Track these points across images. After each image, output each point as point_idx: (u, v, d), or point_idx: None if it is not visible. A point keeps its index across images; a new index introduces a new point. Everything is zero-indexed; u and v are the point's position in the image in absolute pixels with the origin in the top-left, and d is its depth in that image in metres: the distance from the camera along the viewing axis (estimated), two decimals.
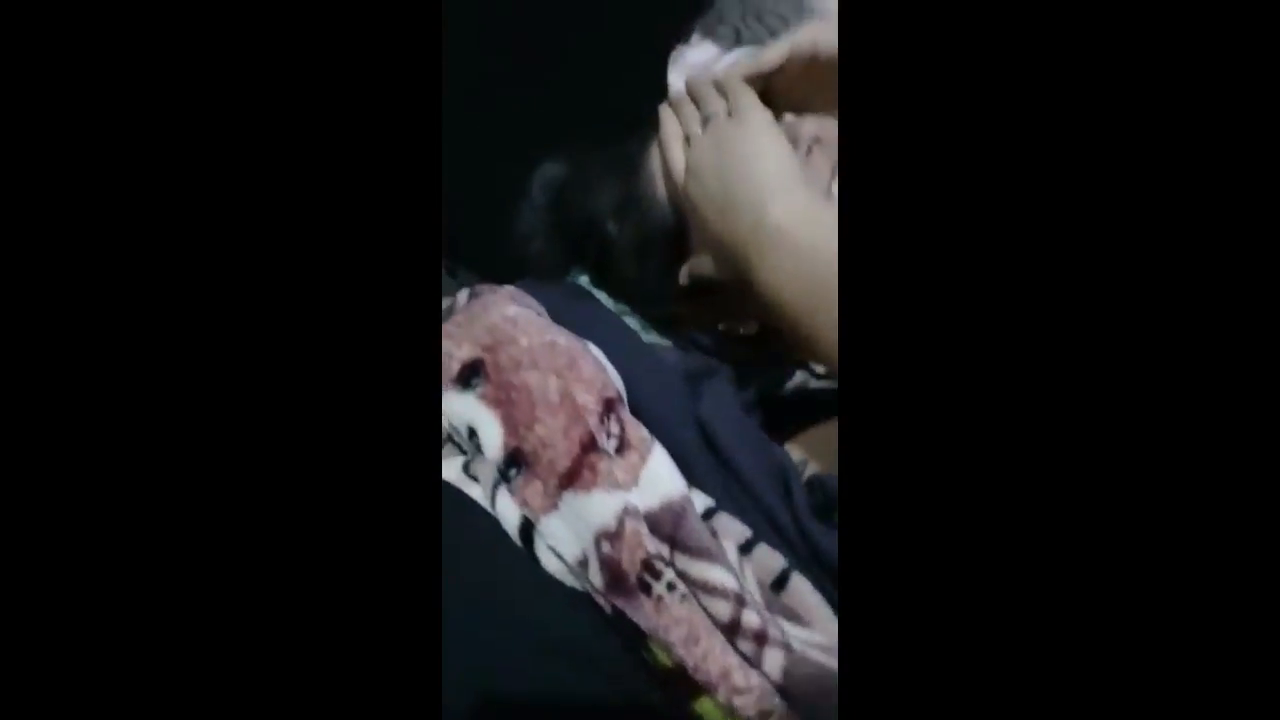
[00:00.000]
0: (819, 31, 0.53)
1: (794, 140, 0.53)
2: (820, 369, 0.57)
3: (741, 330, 0.54)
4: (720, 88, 0.51)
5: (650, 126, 0.53)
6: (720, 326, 0.55)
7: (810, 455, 0.47)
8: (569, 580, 0.38)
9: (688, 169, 0.49)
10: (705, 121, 0.50)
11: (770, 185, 0.45)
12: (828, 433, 0.49)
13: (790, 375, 0.57)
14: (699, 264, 0.52)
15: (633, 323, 0.53)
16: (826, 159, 0.54)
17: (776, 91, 0.55)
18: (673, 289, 0.53)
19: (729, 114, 0.49)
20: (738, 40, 0.62)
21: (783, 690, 0.35)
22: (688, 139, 0.50)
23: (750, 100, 0.49)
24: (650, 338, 0.53)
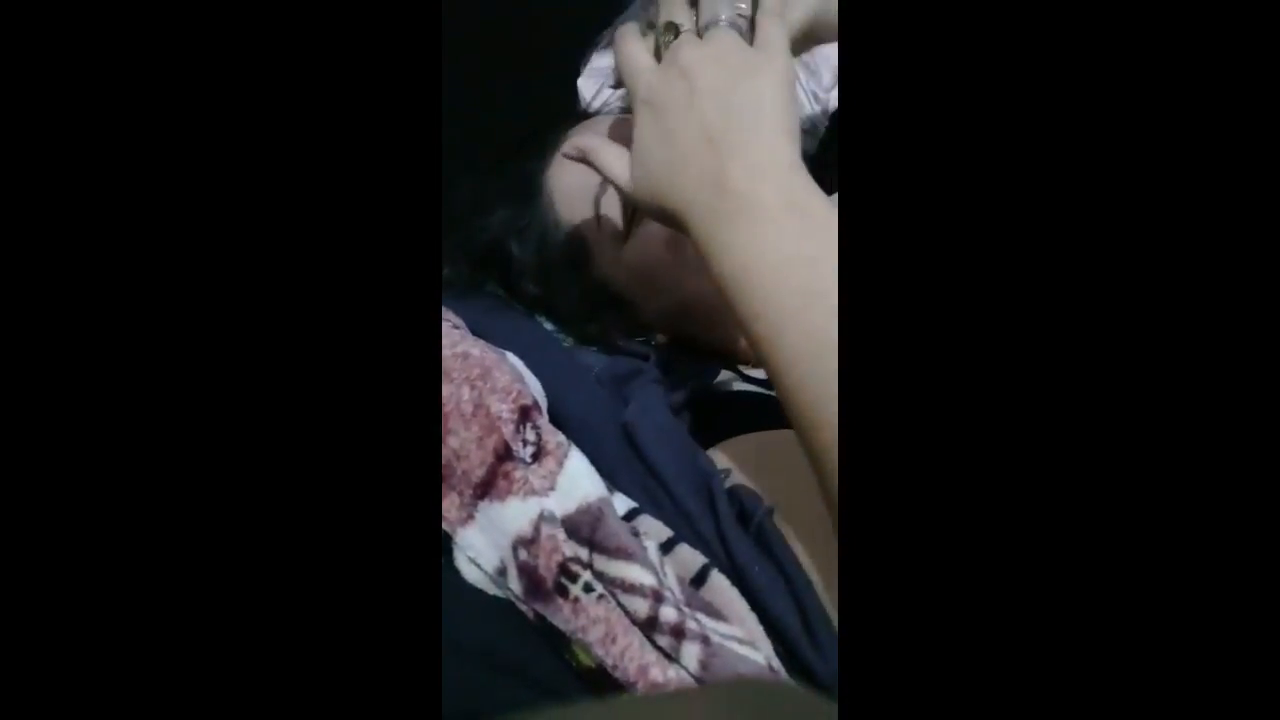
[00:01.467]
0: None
1: None
2: (747, 370, 0.58)
3: (653, 343, 0.55)
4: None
5: (550, 145, 0.53)
6: (634, 339, 0.55)
7: (733, 463, 0.47)
8: (491, 589, 0.39)
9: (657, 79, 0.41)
10: (706, 29, 0.42)
11: (779, 154, 0.38)
12: (752, 444, 0.49)
13: (715, 374, 0.57)
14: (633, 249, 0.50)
15: (554, 331, 0.53)
16: None
17: None
18: (579, 306, 0.53)
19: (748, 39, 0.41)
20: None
21: (700, 682, 0.35)
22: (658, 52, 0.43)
23: (780, 34, 0.41)
24: (573, 344, 0.53)
